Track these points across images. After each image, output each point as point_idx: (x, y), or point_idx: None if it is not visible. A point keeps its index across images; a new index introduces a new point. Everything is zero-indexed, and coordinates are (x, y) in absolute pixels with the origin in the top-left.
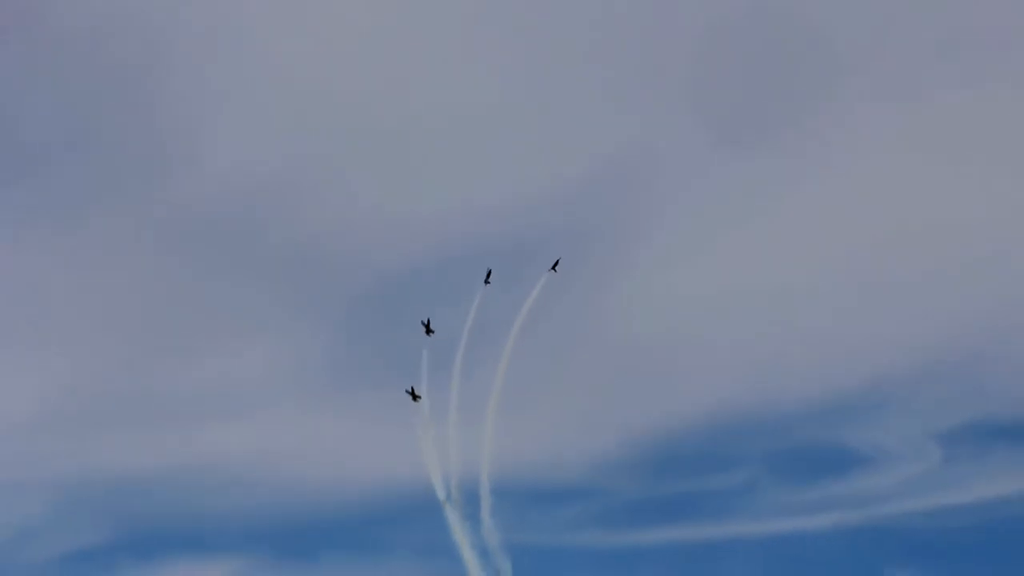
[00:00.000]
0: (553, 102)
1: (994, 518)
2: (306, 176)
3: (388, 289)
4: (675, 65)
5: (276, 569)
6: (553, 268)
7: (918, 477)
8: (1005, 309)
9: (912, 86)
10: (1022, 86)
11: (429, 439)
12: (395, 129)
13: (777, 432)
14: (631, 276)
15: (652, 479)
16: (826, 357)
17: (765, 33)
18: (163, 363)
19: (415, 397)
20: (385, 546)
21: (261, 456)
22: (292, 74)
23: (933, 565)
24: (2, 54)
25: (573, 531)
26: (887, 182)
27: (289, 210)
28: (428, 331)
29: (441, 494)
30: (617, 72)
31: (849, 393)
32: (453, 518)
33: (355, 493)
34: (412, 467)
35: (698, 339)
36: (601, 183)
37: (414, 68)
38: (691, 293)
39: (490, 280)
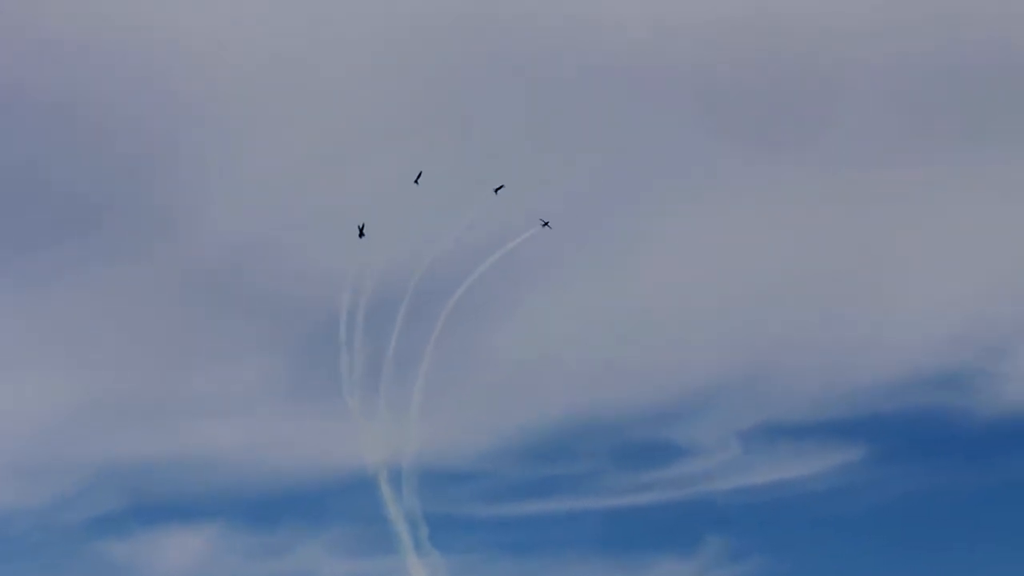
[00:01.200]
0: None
1: (781, 495)
2: (277, 241)
3: (336, 327)
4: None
5: (248, 533)
6: (545, 224)
7: (724, 464)
8: (789, 337)
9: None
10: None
11: (367, 434)
12: (343, 204)
13: (619, 429)
14: (518, 310)
15: (528, 464)
16: (657, 373)
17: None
18: (169, 376)
19: (361, 233)
20: (334, 515)
21: (240, 447)
22: (265, 168)
23: (737, 530)
24: (56, 143)
25: (471, 504)
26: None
27: (264, 266)
28: (361, 234)
29: (376, 475)
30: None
31: (673, 401)
32: (386, 493)
33: (310, 475)
34: (354, 456)
35: (565, 358)
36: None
37: (353, 154)
38: (561, 324)
39: (499, 191)
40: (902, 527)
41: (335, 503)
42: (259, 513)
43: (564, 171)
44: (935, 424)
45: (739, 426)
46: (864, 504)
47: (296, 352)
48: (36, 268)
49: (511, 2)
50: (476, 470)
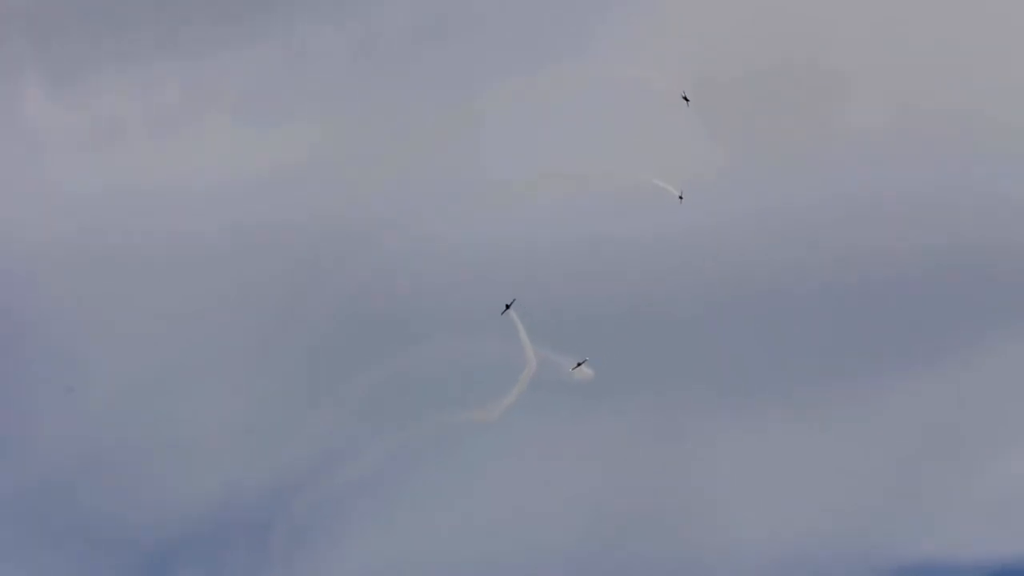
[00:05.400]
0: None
1: None
2: (120, 461)
3: (173, 550)
4: None
5: None
6: (579, 365)
7: None
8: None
9: None
10: None
11: None
12: (188, 418)
13: None
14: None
15: None
16: None
17: None
18: None
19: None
20: None
21: None
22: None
23: None
24: None
25: None
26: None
27: (93, 489)
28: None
29: None
30: None
31: None
32: None
33: None
34: None
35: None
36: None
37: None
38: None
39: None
40: None
41: None
42: None
43: None
44: None
45: None
46: None
47: None
48: None
49: None
50: None
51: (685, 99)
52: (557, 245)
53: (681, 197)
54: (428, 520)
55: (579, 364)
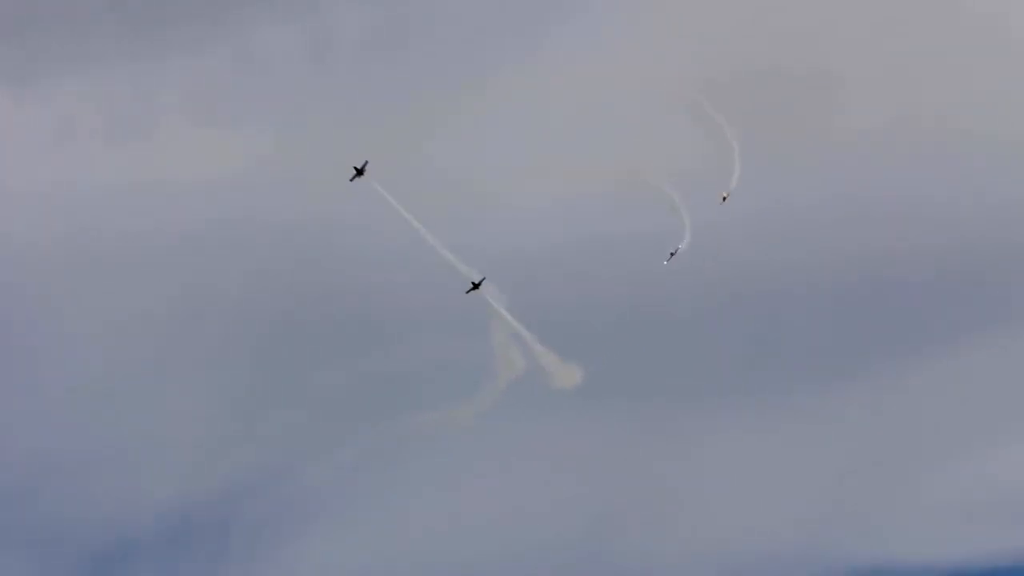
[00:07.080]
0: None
1: None
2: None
3: (123, 556)
4: None
5: None
6: (475, 287)
7: None
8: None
9: None
10: None
11: None
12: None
13: None
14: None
15: None
16: None
17: None
18: None
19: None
20: None
21: None
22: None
23: None
24: None
25: None
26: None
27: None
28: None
29: None
30: None
31: None
32: None
33: None
34: None
35: None
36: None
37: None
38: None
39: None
40: None
41: None
42: None
43: None
44: None
45: None
46: None
47: None
48: None
49: None
50: None
51: (724, 198)
52: (555, 246)
53: (673, 254)
54: (401, 521)
55: (475, 285)
